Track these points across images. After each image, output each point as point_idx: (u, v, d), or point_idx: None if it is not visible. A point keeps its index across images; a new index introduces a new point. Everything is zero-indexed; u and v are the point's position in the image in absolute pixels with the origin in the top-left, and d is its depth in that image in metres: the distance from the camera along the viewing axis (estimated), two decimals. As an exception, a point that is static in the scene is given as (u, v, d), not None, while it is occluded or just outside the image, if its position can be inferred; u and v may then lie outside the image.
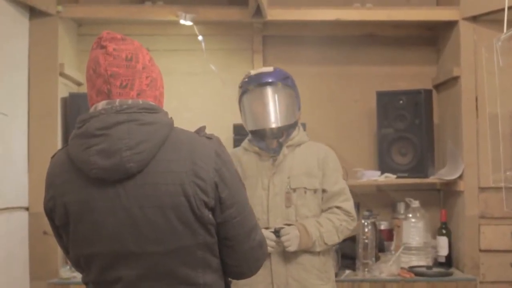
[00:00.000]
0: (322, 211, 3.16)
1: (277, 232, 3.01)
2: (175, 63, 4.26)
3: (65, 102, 3.88)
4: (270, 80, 3.13)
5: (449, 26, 4.01)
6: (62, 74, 3.84)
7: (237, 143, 3.92)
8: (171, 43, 4.31)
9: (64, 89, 3.91)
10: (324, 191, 3.14)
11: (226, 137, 3.98)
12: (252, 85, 3.14)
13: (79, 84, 4.18)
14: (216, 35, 4.29)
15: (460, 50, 3.88)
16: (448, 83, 4.08)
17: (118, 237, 1.85)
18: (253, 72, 3.18)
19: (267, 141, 3.13)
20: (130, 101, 1.86)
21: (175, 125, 1.95)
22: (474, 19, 3.87)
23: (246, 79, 3.17)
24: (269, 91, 3.12)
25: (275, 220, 3.07)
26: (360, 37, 4.36)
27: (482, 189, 3.83)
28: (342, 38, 4.35)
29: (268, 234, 2.99)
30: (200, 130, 1.99)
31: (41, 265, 3.67)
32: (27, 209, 3.66)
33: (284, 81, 3.15)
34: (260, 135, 3.14)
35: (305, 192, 3.11)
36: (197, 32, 4.06)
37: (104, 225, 1.85)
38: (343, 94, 4.26)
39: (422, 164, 3.98)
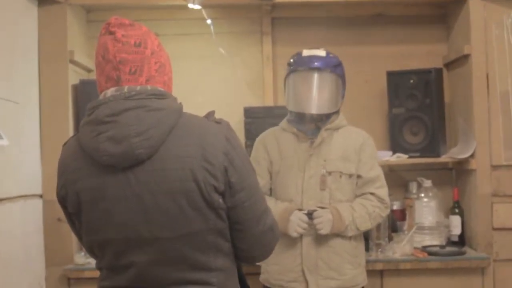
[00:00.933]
0: (356, 196, 3.18)
1: (310, 215, 3.04)
2: (184, 48, 4.25)
3: (76, 89, 3.88)
4: (321, 66, 3.13)
5: (459, 3, 3.97)
6: (72, 61, 3.84)
7: (247, 126, 3.94)
8: (180, 27, 4.29)
9: (74, 76, 3.91)
10: (359, 176, 3.17)
11: (237, 120, 3.99)
12: (302, 67, 3.14)
13: (89, 70, 4.18)
14: (224, 18, 4.27)
15: (470, 27, 3.85)
16: (459, 61, 4.06)
17: (129, 223, 1.86)
18: (305, 53, 3.18)
19: (306, 124, 3.14)
20: (138, 87, 1.87)
21: (186, 109, 1.95)
22: (484, -4, 3.84)
23: (297, 59, 3.18)
24: (317, 77, 3.13)
25: (309, 202, 3.10)
26: (370, 17, 4.34)
27: (494, 167, 3.81)
28: (351, 18, 4.33)
29: (301, 216, 3.03)
30: (209, 115, 1.99)
31: (56, 252, 3.69)
32: (41, 196, 3.68)
33: (334, 69, 3.16)
34: (300, 117, 3.15)
35: (340, 176, 3.13)
36: (205, 16, 4.04)
37: (116, 211, 1.87)
38: (353, 75, 4.22)
39: (433, 143, 3.97)
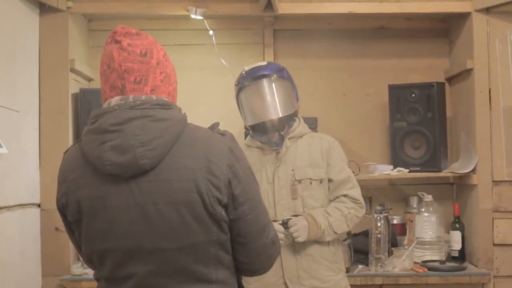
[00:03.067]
0: (330, 201, 3.16)
1: (285, 224, 3.01)
2: (186, 58, 4.24)
3: (76, 98, 3.87)
4: (265, 73, 3.15)
5: (462, 18, 3.98)
6: (73, 70, 3.83)
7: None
8: (182, 37, 4.29)
9: (75, 85, 3.90)
10: (330, 180, 3.16)
11: (238, 130, 3.99)
12: (248, 80, 3.16)
13: (90, 80, 4.17)
14: (226, 30, 4.28)
15: (473, 42, 3.85)
16: (461, 75, 4.05)
17: (131, 233, 1.84)
18: (247, 68, 3.21)
19: (268, 135, 3.14)
20: (143, 97, 1.86)
21: (188, 119, 1.94)
22: (487, 10, 3.82)
23: (241, 76, 3.20)
24: (265, 83, 3.14)
25: (282, 213, 3.09)
26: (372, 30, 4.34)
27: (496, 183, 3.80)
28: (354, 31, 4.33)
29: (277, 227, 2.97)
30: (214, 127, 1.98)
31: (53, 261, 3.67)
32: (39, 205, 3.66)
33: (279, 73, 3.18)
34: (261, 129, 3.16)
35: (311, 183, 3.12)
36: (207, 27, 4.04)
37: (118, 221, 1.85)
38: (355, 88, 4.23)
39: (435, 158, 3.95)
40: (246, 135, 3.93)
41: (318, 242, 3.08)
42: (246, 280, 3.01)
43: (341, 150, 3.24)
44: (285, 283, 3.08)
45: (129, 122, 1.81)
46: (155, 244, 1.84)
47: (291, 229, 3.00)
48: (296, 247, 3.07)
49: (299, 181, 3.11)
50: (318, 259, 3.10)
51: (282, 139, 3.14)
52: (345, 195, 3.14)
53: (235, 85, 3.21)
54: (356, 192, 3.17)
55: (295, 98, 3.21)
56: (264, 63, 3.23)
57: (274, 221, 3.00)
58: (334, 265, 3.15)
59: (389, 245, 3.80)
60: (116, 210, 1.84)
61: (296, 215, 3.04)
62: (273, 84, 3.14)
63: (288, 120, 3.15)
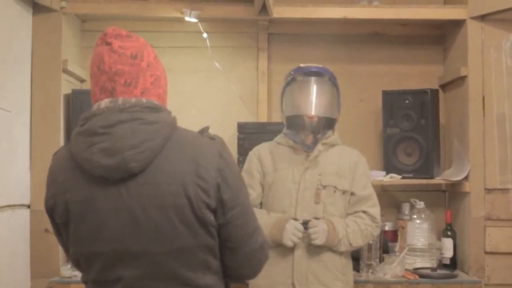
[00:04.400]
0: (348, 214, 3.17)
1: (305, 224, 3.03)
2: (180, 60, 4.23)
3: (68, 99, 3.85)
4: (320, 72, 3.20)
5: (457, 25, 3.97)
6: (65, 71, 3.81)
7: (241, 141, 3.92)
8: (176, 40, 4.27)
9: (67, 86, 3.88)
10: (352, 194, 3.18)
11: (230, 135, 3.98)
12: (301, 74, 3.20)
13: (82, 80, 4.15)
14: (221, 33, 4.26)
15: (467, 49, 3.84)
16: (455, 82, 4.04)
17: (119, 236, 1.84)
18: (303, 65, 3.24)
19: (302, 134, 3.15)
20: (133, 100, 1.85)
21: (180, 123, 1.94)
22: (482, 18, 3.82)
23: (296, 70, 3.23)
24: (317, 81, 3.18)
25: (302, 215, 3.09)
26: (367, 35, 4.33)
27: (489, 190, 3.79)
28: (348, 36, 4.32)
29: (297, 225, 3.03)
30: (204, 131, 1.98)
31: (42, 263, 3.64)
32: (28, 206, 3.63)
33: (332, 77, 3.22)
34: (297, 126, 3.16)
35: (335, 192, 3.14)
36: (201, 30, 4.03)
37: (106, 224, 1.84)
38: (349, 93, 4.21)
39: (427, 165, 3.94)
40: (238, 139, 3.93)
41: (332, 250, 3.10)
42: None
43: (367, 167, 3.28)
44: (293, 284, 3.08)
45: (118, 125, 1.80)
46: (143, 247, 1.83)
47: (310, 230, 3.02)
48: (310, 251, 3.08)
49: (324, 187, 3.12)
50: (329, 266, 3.11)
51: (315, 142, 3.15)
52: (364, 212, 3.17)
53: (286, 77, 3.24)
54: (376, 211, 3.20)
55: (338, 108, 3.23)
56: (321, 65, 3.26)
57: (295, 219, 3.02)
58: (343, 276, 3.17)
59: (381, 251, 3.79)
60: (104, 213, 1.84)
61: (317, 218, 3.05)
62: (324, 84, 3.18)
63: (325, 124, 3.17)
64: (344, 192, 3.15)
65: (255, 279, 3.05)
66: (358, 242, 3.14)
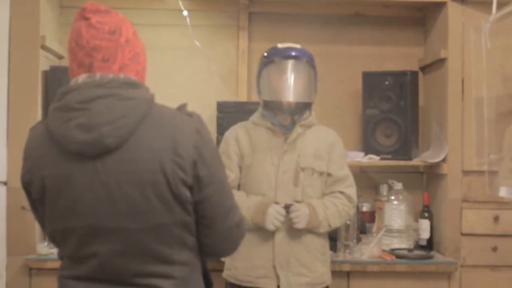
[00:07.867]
0: (324, 194, 3.18)
1: (287, 208, 3.03)
2: (159, 38, 4.19)
3: (46, 75, 3.80)
4: (297, 55, 3.14)
5: (438, 7, 3.97)
6: (43, 47, 3.76)
7: (220, 120, 3.89)
8: (155, 17, 4.23)
9: (45, 62, 3.83)
10: (329, 174, 3.19)
11: (209, 114, 3.96)
12: (278, 56, 3.14)
13: (60, 57, 4.11)
14: (201, 11, 4.22)
15: (448, 31, 3.84)
16: (435, 65, 4.05)
17: (94, 212, 1.84)
18: (280, 45, 3.18)
19: (280, 117, 3.13)
20: (111, 75, 1.84)
21: (158, 100, 1.93)
22: (463, 0, 3.82)
23: (273, 50, 3.18)
24: (294, 64, 3.13)
25: (282, 198, 3.09)
26: (347, 16, 4.32)
27: (466, 173, 3.81)
28: (329, 16, 4.30)
29: (279, 209, 3.03)
30: (182, 107, 1.97)
31: (18, 240, 3.61)
32: (5, 183, 3.61)
33: (310, 60, 3.18)
34: (275, 108, 3.13)
35: (313, 174, 3.14)
36: (182, 7, 4.00)
37: (81, 200, 1.84)
38: (329, 74, 4.20)
39: (406, 146, 3.96)
40: (218, 118, 3.91)
41: (312, 232, 3.11)
42: (234, 258, 3.04)
43: (343, 147, 3.29)
44: (274, 267, 3.08)
45: (95, 100, 1.79)
46: (118, 223, 1.84)
47: (293, 214, 3.03)
48: (291, 233, 3.09)
49: (303, 169, 3.12)
50: (310, 248, 3.13)
51: (293, 124, 3.14)
52: (341, 192, 3.18)
53: (263, 57, 3.20)
54: (352, 191, 3.21)
55: (315, 89, 3.22)
56: (298, 45, 3.21)
57: (277, 203, 3.02)
58: (323, 256, 3.19)
59: (358, 232, 3.81)
60: (80, 189, 1.83)
61: (297, 202, 3.07)
62: (302, 68, 3.15)
63: (303, 108, 3.15)
64: (321, 173, 3.16)
65: (235, 261, 3.09)
66: (336, 222, 3.17)
